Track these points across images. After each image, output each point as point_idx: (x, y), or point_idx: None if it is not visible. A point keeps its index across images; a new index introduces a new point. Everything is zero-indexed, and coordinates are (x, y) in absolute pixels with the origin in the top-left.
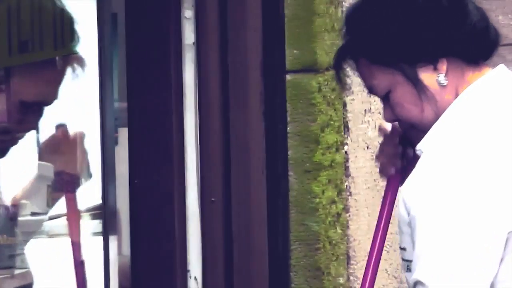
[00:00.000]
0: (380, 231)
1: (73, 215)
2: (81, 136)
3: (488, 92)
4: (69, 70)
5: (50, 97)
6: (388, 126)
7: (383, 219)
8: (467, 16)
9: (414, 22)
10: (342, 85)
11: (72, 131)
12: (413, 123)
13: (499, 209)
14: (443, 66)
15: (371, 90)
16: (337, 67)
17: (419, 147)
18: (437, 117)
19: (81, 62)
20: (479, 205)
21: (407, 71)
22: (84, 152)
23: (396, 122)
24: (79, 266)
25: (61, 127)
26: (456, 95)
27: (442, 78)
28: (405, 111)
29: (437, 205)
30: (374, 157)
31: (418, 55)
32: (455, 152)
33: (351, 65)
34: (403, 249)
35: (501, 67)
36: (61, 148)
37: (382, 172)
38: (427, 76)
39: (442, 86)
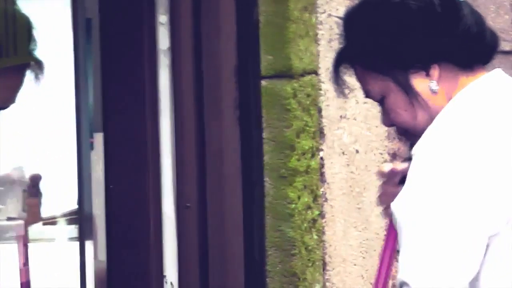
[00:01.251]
0: (385, 269)
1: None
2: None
3: (479, 95)
4: (30, 76)
5: (10, 101)
6: (387, 168)
7: (387, 257)
8: (460, 21)
9: (407, 29)
10: (339, 90)
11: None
12: (407, 128)
13: (481, 212)
14: (435, 72)
15: (367, 95)
16: (335, 72)
17: (413, 152)
18: (430, 122)
19: (41, 68)
20: (461, 207)
21: (399, 77)
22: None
23: (396, 165)
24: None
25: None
26: (449, 100)
27: (433, 84)
28: (398, 116)
29: (420, 207)
30: (377, 199)
31: (410, 62)
32: (439, 155)
33: (349, 69)
34: (399, 252)
35: (497, 71)
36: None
37: (386, 212)
38: (419, 82)
39: (434, 92)
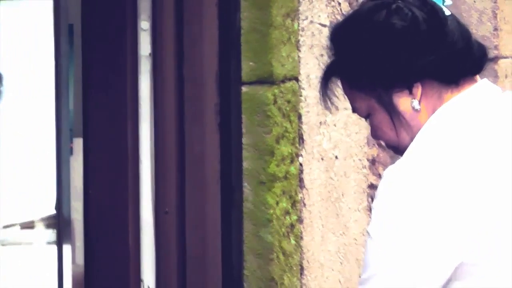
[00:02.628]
0: None
1: None
2: None
3: (458, 112)
4: None
5: None
6: None
7: None
8: (445, 38)
9: (390, 50)
10: (326, 103)
11: None
12: (392, 146)
13: (453, 237)
14: (417, 91)
15: (354, 111)
16: (324, 86)
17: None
18: (412, 140)
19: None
20: (430, 230)
21: (382, 97)
22: None
23: None
24: None
25: None
26: None
27: (416, 103)
28: (383, 134)
29: (388, 223)
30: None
31: (393, 81)
32: (413, 173)
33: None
34: None
35: (482, 82)
36: None
37: None
38: (402, 101)
39: (416, 110)
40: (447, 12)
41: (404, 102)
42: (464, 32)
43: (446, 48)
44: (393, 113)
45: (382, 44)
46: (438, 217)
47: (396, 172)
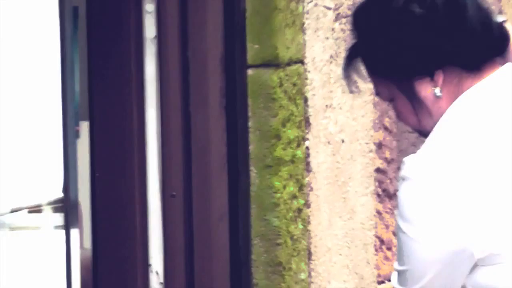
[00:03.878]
0: None
1: None
2: None
3: (479, 99)
4: None
5: None
6: None
7: None
8: (465, 23)
9: (410, 38)
10: (349, 85)
11: None
12: (415, 130)
13: (469, 232)
14: (439, 78)
15: (378, 94)
16: (345, 68)
17: (405, 160)
18: (434, 125)
19: None
20: (444, 224)
21: (403, 85)
22: None
23: None
24: None
25: None
26: None
27: (437, 90)
28: (406, 119)
29: (415, 217)
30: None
31: (414, 70)
32: (430, 172)
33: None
34: None
35: (507, 66)
36: None
37: None
38: (424, 88)
39: (438, 97)
40: None
41: (426, 89)
42: (484, 17)
43: (465, 34)
44: (414, 99)
45: (401, 31)
46: (462, 208)
47: (419, 164)
